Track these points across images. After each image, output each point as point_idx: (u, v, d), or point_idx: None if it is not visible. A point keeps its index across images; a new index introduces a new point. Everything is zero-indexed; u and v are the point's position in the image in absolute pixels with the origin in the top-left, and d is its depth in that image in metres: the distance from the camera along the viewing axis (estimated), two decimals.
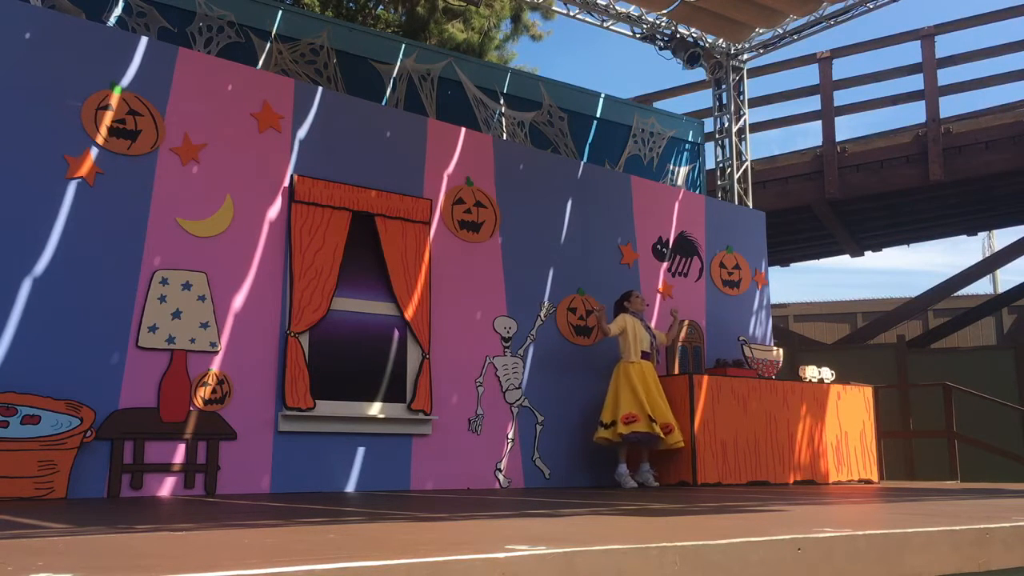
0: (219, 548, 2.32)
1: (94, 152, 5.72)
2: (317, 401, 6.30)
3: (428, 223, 7.11)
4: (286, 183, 6.50)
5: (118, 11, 6.94)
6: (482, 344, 7.26)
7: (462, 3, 13.38)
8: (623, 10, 9.78)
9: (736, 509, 4.07)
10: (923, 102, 11.80)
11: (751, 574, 2.33)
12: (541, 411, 7.49)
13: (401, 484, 6.62)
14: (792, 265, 16.15)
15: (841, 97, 12.45)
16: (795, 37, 10.27)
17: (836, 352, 12.72)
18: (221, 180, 6.19)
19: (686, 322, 8.40)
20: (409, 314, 6.83)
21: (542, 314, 7.70)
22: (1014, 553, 2.91)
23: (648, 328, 7.60)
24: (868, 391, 8.97)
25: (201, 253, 6.01)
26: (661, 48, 10.18)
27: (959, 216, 13.56)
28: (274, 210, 6.41)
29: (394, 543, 2.40)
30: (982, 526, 2.87)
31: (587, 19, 9.77)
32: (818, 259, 16.19)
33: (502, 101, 8.94)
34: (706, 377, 7.71)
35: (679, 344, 8.25)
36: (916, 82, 12.01)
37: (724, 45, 10.52)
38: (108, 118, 5.80)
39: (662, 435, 7.16)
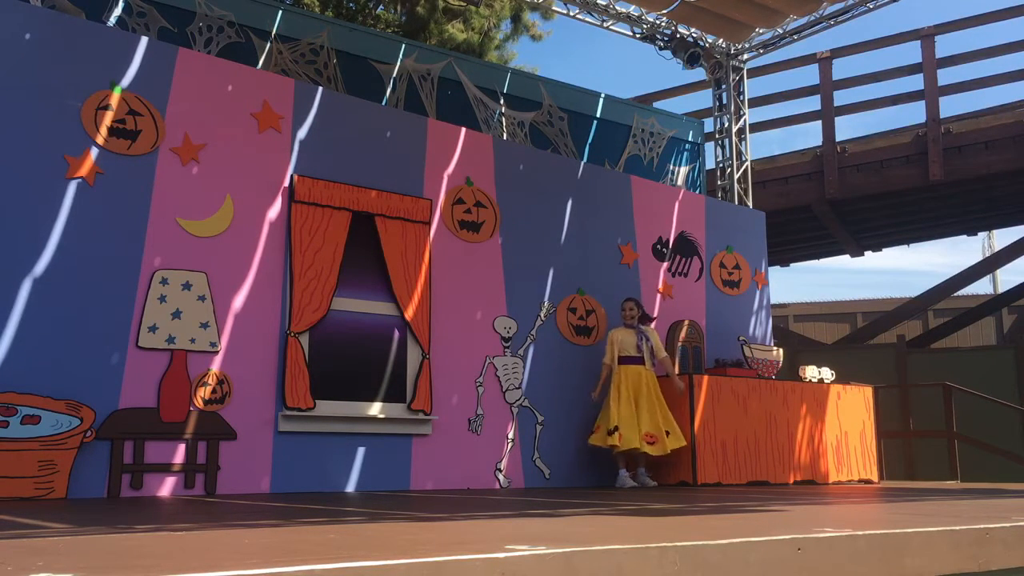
0: (219, 548, 2.32)
1: (94, 152, 5.72)
2: (317, 401, 6.30)
3: (428, 223, 7.11)
4: (286, 183, 6.50)
5: (118, 11, 6.94)
6: (482, 344, 7.26)
7: (462, 3, 13.38)
8: (623, 10, 9.78)
9: (736, 509, 4.07)
10: (923, 102, 11.80)
11: (751, 574, 2.33)
12: (541, 411, 7.49)
13: (401, 484, 6.62)
14: (792, 265, 16.16)
15: (841, 97, 12.47)
16: (795, 37, 10.27)
17: (836, 352, 12.72)
18: (221, 180, 6.19)
19: (685, 322, 8.39)
20: (409, 314, 6.83)
21: (542, 314, 7.70)
22: (1014, 553, 2.91)
23: (642, 335, 7.53)
24: (868, 391, 8.97)
25: (201, 253, 6.01)
26: (661, 48, 10.18)
27: (959, 216, 13.57)
28: (274, 210, 6.41)
29: (394, 543, 2.40)
30: (982, 526, 2.87)
31: (587, 19, 9.77)
32: (818, 259, 16.20)
33: (502, 101, 8.94)
34: (706, 377, 7.71)
35: (679, 344, 8.25)
36: (916, 82, 12.02)
37: (724, 45, 10.52)
38: (108, 118, 5.80)
39: (611, 444, 7.17)
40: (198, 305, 5.93)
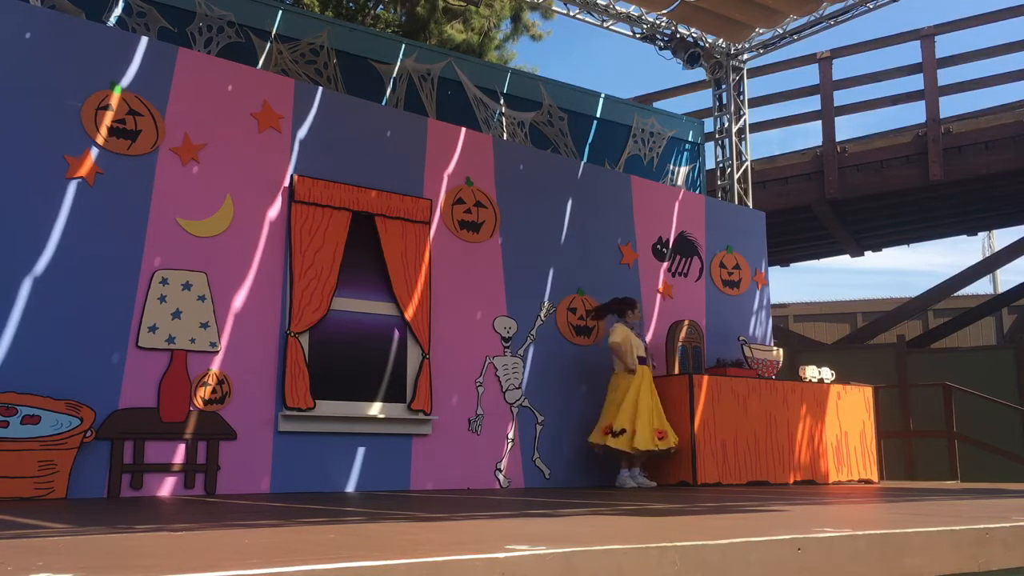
0: (219, 548, 2.32)
1: (94, 152, 5.72)
2: (317, 401, 6.30)
3: (428, 223, 7.11)
4: (286, 183, 6.50)
5: (118, 11, 6.94)
6: (482, 344, 7.26)
7: (462, 3, 13.38)
8: (623, 10, 9.78)
9: (736, 509, 4.07)
10: (923, 102, 11.81)
11: (751, 574, 2.33)
12: (541, 411, 7.49)
13: (401, 484, 6.62)
14: (792, 265, 16.16)
15: (841, 97, 12.47)
16: (795, 37, 10.27)
17: (836, 352, 12.72)
18: (221, 180, 6.19)
19: (685, 322, 8.39)
20: (409, 314, 6.83)
21: (542, 314, 7.70)
22: (1014, 553, 2.91)
23: (641, 335, 7.61)
24: (868, 391, 8.97)
25: (201, 253, 6.01)
26: (661, 48, 10.18)
27: (959, 216, 13.57)
28: (274, 210, 6.41)
29: (394, 543, 2.40)
30: (982, 526, 2.87)
31: (587, 19, 9.77)
32: (818, 259, 16.20)
33: (502, 101, 8.94)
34: (706, 377, 7.70)
35: (679, 344, 8.25)
36: (916, 82, 12.02)
37: (724, 45, 10.52)
38: (108, 118, 5.80)
39: (610, 445, 7.19)
40: (198, 305, 5.93)
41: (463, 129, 7.67)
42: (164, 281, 5.83)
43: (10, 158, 5.41)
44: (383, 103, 8.02)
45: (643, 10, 9.76)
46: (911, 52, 12.48)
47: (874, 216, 13.09)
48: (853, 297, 25.01)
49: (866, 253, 14.86)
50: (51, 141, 5.57)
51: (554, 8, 9.77)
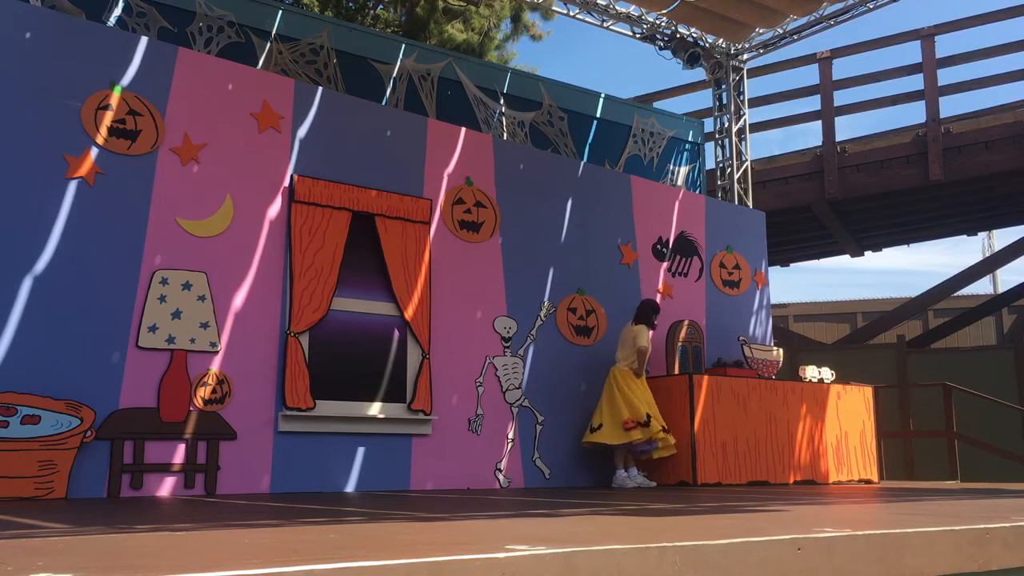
0: (219, 548, 2.32)
1: (94, 152, 5.72)
2: (317, 401, 6.30)
3: (428, 223, 7.11)
4: (286, 183, 6.50)
5: (118, 11, 6.94)
6: (482, 344, 7.26)
7: (462, 3, 13.39)
8: (623, 10, 9.78)
9: (736, 509, 4.07)
10: (923, 102, 11.80)
11: (751, 574, 2.33)
12: (541, 411, 7.49)
13: (401, 484, 6.62)
14: (792, 265, 16.16)
15: (841, 97, 12.47)
16: (795, 37, 10.27)
17: (836, 352, 12.72)
18: (221, 180, 6.19)
19: (685, 322, 8.39)
20: (409, 314, 6.83)
21: (542, 314, 7.70)
22: (1014, 553, 2.91)
23: None
24: (868, 391, 8.97)
25: (201, 253, 6.01)
26: (661, 48, 10.19)
27: (959, 216, 13.57)
28: (274, 210, 6.41)
29: (394, 543, 2.40)
30: (982, 526, 2.87)
31: (587, 19, 9.77)
32: (818, 259, 16.19)
33: (502, 101, 8.94)
34: (706, 377, 7.70)
35: (679, 344, 8.25)
36: (916, 82, 12.02)
37: (724, 45, 10.52)
38: (108, 118, 5.80)
39: (663, 445, 7.21)
40: (198, 305, 5.93)
41: (463, 129, 7.67)
42: (164, 281, 5.83)
43: (10, 158, 5.41)
44: (383, 103, 8.02)
45: (643, 10, 9.76)
46: (911, 52, 12.51)
47: (874, 216, 13.09)
48: (853, 297, 25.02)
49: (866, 253, 14.86)
50: (51, 141, 5.57)
51: (554, 8, 9.77)
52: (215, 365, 5.94)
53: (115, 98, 5.84)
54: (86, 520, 3.55)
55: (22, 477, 5.10)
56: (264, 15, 7.68)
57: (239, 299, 6.13)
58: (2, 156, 5.39)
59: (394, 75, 8.25)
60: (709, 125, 10.95)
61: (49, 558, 2.07)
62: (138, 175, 5.87)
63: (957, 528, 2.82)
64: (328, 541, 2.46)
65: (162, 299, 5.80)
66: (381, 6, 14.79)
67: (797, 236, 13.86)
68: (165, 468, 5.67)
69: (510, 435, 7.28)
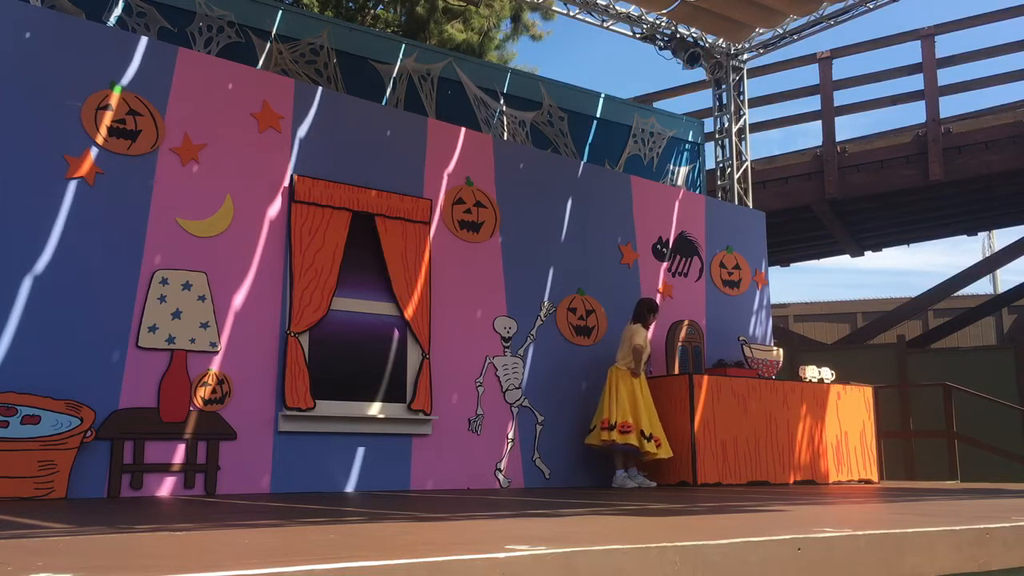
0: (219, 548, 2.32)
1: (94, 152, 5.72)
2: (317, 401, 6.30)
3: (428, 223, 7.11)
4: (286, 183, 6.50)
5: (118, 11, 6.94)
6: (482, 344, 7.26)
7: (462, 3, 13.39)
8: (623, 10, 9.77)
9: (736, 509, 4.07)
10: (923, 102, 11.80)
11: (751, 574, 2.33)
12: (541, 411, 7.49)
13: (401, 484, 6.62)
14: (792, 265, 16.16)
15: (841, 97, 12.47)
16: (795, 37, 10.26)
17: (836, 352, 12.72)
18: (221, 180, 6.19)
19: (685, 322, 8.39)
20: (409, 314, 6.83)
21: (542, 314, 7.70)
22: (1014, 553, 2.91)
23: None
24: (868, 391, 8.97)
25: (201, 253, 6.01)
26: (661, 48, 10.18)
27: (959, 216, 13.57)
28: (274, 210, 6.41)
29: (394, 543, 2.40)
30: (982, 526, 2.87)
31: (587, 19, 9.77)
32: (818, 259, 16.20)
33: (502, 101, 8.93)
34: (706, 377, 7.70)
35: (679, 344, 8.25)
36: (916, 82, 12.01)
37: (724, 45, 10.52)
38: (108, 118, 5.80)
39: (648, 451, 7.18)
40: (198, 305, 5.93)
41: (463, 129, 7.67)
42: (164, 281, 5.83)
43: (10, 158, 5.41)
44: (383, 103, 8.02)
45: (643, 10, 9.76)
46: (911, 52, 12.50)
47: (874, 216, 13.09)
48: (853, 297, 25.03)
49: (866, 253, 14.86)
50: (51, 141, 5.57)
51: (554, 8, 9.77)
52: (215, 365, 5.94)
53: (115, 98, 5.84)
54: (86, 520, 3.55)
55: (22, 477, 5.10)
56: (264, 15, 7.68)
57: (239, 299, 6.13)
58: (2, 156, 5.39)
59: (394, 75, 8.25)
60: (709, 125, 10.95)
61: (49, 558, 2.07)
62: (138, 175, 5.87)
63: (957, 528, 2.82)
64: (328, 541, 2.46)
65: (162, 299, 5.80)
66: (381, 6, 14.79)
67: (797, 236, 13.86)
68: (165, 468, 5.67)
69: (510, 435, 7.28)
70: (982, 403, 10.41)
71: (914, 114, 58.15)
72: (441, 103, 8.46)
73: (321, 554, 2.04)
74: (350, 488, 6.39)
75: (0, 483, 5.01)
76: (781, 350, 8.76)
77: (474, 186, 7.51)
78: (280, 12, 7.80)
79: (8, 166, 5.40)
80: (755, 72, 11.86)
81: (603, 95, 9.81)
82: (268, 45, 7.64)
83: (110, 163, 5.77)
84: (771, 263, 12.10)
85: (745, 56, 10.68)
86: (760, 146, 42.00)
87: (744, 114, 10.63)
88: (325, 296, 6.46)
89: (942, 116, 11.65)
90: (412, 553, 2.01)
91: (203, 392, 5.86)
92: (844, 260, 44.06)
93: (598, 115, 9.66)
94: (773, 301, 10.38)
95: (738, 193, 10.44)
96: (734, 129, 10.55)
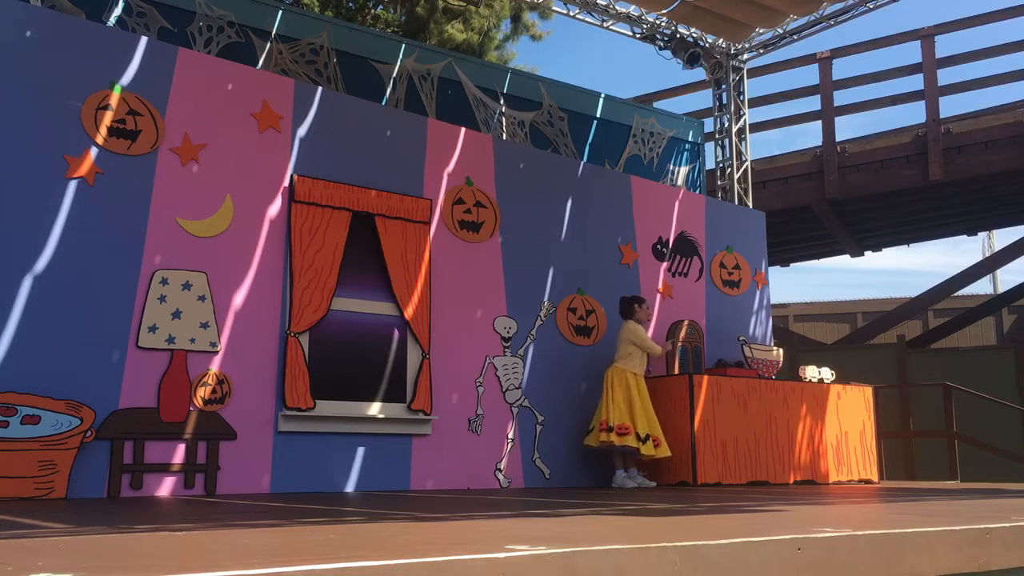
0: (219, 548, 2.32)
1: (94, 152, 5.72)
2: (317, 401, 6.30)
3: (428, 223, 7.11)
4: (286, 183, 6.50)
5: (118, 11, 6.94)
6: (482, 344, 7.26)
7: (462, 3, 13.39)
8: (623, 10, 9.77)
9: (736, 509, 4.07)
10: (923, 102, 11.80)
11: (751, 574, 2.33)
12: (541, 411, 7.49)
13: (401, 484, 6.62)
14: (792, 265, 16.15)
15: (841, 97, 12.47)
16: (795, 37, 10.27)
17: (836, 352, 12.72)
18: (221, 180, 6.19)
19: (685, 322, 8.39)
20: (409, 314, 6.83)
21: (542, 314, 7.70)
22: (1014, 553, 2.91)
23: None
24: (868, 391, 8.97)
25: (201, 253, 6.01)
26: (661, 48, 10.18)
27: (959, 216, 13.57)
28: (274, 210, 6.41)
29: (394, 543, 2.40)
30: (982, 526, 2.87)
31: (587, 19, 9.77)
32: (818, 259, 16.20)
33: (502, 101, 8.94)
34: (706, 377, 7.70)
35: (679, 344, 8.25)
36: (916, 82, 12.01)
37: (724, 45, 10.52)
38: (108, 118, 5.80)
39: (645, 453, 7.16)
40: (198, 305, 5.93)
41: (463, 129, 7.67)
42: (164, 281, 5.83)
43: (10, 158, 5.41)
44: (383, 103, 8.02)
45: (643, 10, 9.76)
46: (911, 52, 12.49)
47: (874, 216, 13.09)
48: (853, 297, 25.03)
49: (866, 253, 14.85)
50: (51, 141, 5.57)
51: (554, 8, 9.76)
52: (215, 365, 5.94)
53: (115, 98, 5.84)
54: (86, 520, 3.55)
55: (22, 477, 5.10)
56: (264, 15, 7.68)
57: (239, 299, 6.13)
58: (2, 156, 5.39)
59: (394, 75, 8.25)
60: (709, 125, 10.95)
61: (49, 558, 2.07)
62: (138, 175, 5.87)
63: (957, 528, 2.82)
64: (328, 541, 2.46)
65: (162, 299, 5.80)
66: (381, 6, 14.79)
67: (797, 236, 13.86)
68: (165, 468, 5.66)
69: (510, 435, 7.28)
70: (982, 403, 10.41)
71: (914, 114, 58.15)
72: (441, 103, 8.46)
73: (321, 554, 2.04)
74: (350, 488, 6.39)
75: (0, 483, 5.01)
76: (781, 350, 8.76)
77: (474, 186, 7.51)
78: (280, 12, 7.80)
79: (8, 166, 5.40)
80: (755, 72, 11.85)
81: (603, 95, 9.81)
82: (268, 45, 7.64)
83: (110, 163, 5.76)
84: (771, 263, 12.10)
85: (745, 56, 10.68)
86: (760, 146, 41.98)
87: (744, 114, 10.63)
88: (325, 296, 6.46)
89: (942, 116, 11.65)
90: (412, 553, 2.01)
91: (203, 392, 5.86)
92: (844, 260, 44.04)
93: (598, 115, 9.66)
94: (773, 301, 10.38)
95: (738, 193, 10.44)
96: (734, 129, 10.56)
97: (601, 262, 8.22)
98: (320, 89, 6.92)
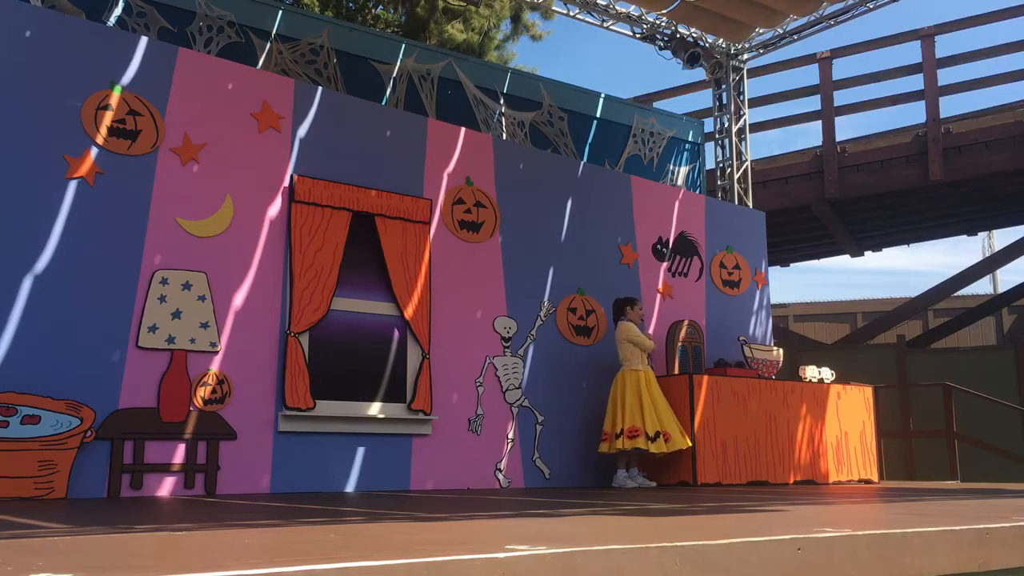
0: (219, 548, 2.32)
1: (94, 152, 5.72)
2: (317, 401, 6.30)
3: (428, 223, 7.11)
4: (286, 183, 6.50)
5: (118, 11, 6.94)
6: (482, 344, 7.26)
7: (462, 3, 13.38)
8: (623, 10, 9.78)
9: (736, 509, 4.07)
10: (923, 102, 11.80)
11: (751, 574, 2.33)
12: (541, 411, 7.49)
13: (401, 484, 6.62)
14: (792, 265, 16.15)
15: (841, 97, 12.46)
16: (795, 37, 10.27)
17: (836, 352, 12.72)
18: (221, 180, 6.19)
19: (685, 322, 8.39)
20: (409, 314, 6.83)
21: (542, 314, 7.70)
22: (1014, 553, 2.91)
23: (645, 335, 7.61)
24: (868, 391, 8.97)
25: (201, 253, 6.01)
26: (661, 48, 10.18)
27: (959, 216, 13.56)
28: (274, 210, 6.41)
29: (394, 543, 2.40)
30: (982, 526, 2.87)
31: (587, 19, 9.77)
32: (818, 259, 16.19)
33: (502, 101, 8.94)
34: (706, 377, 7.70)
35: (679, 344, 8.25)
36: (916, 82, 12.01)
37: (724, 45, 10.52)
38: (108, 118, 5.80)
39: (656, 451, 7.14)
40: (198, 305, 5.93)
41: (463, 129, 7.67)
42: (164, 281, 5.83)
43: (10, 158, 5.41)
44: (383, 103, 8.02)
45: (643, 10, 9.76)
46: (911, 52, 12.48)
47: (874, 216, 13.09)
48: (853, 297, 25.03)
49: (866, 253, 14.85)
50: (51, 141, 5.57)
51: (554, 8, 9.77)
52: (215, 365, 5.94)
53: (115, 98, 5.84)
54: (86, 520, 3.55)
55: (22, 477, 5.10)
56: (264, 15, 7.68)
57: (239, 299, 6.13)
58: (2, 156, 5.39)
59: (394, 75, 8.25)
60: (709, 125, 10.95)
61: (49, 558, 2.07)
62: (138, 175, 5.87)
63: (957, 528, 2.82)
64: (328, 541, 2.46)
65: (162, 299, 5.80)
66: (381, 6, 14.78)
67: (797, 236, 13.86)
68: (165, 468, 5.67)
69: (510, 435, 7.28)
70: (982, 403, 10.40)
71: (914, 114, 58.20)
72: (441, 103, 8.47)
73: (321, 554, 2.04)
74: (350, 488, 6.39)
75: (0, 483, 5.01)
76: (781, 350, 8.76)
77: (474, 186, 7.51)
78: (280, 12, 7.80)
79: (8, 166, 5.40)
80: (755, 72, 11.85)
81: (603, 95, 9.81)
82: (268, 45, 7.64)
83: (110, 163, 5.77)
84: (771, 263, 12.10)
85: (745, 56, 10.68)
86: (760, 146, 42.02)
87: (744, 114, 10.63)
88: (325, 296, 6.46)
89: (942, 116, 11.65)
90: (412, 553, 2.01)
91: (203, 392, 5.86)
92: (844, 260, 44.05)
93: (598, 115, 9.66)
94: (773, 301, 10.38)
95: (738, 193, 10.44)
96: (734, 129, 10.56)
97: (601, 262, 8.22)
98: (320, 89, 6.92)
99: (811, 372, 8.63)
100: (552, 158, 8.59)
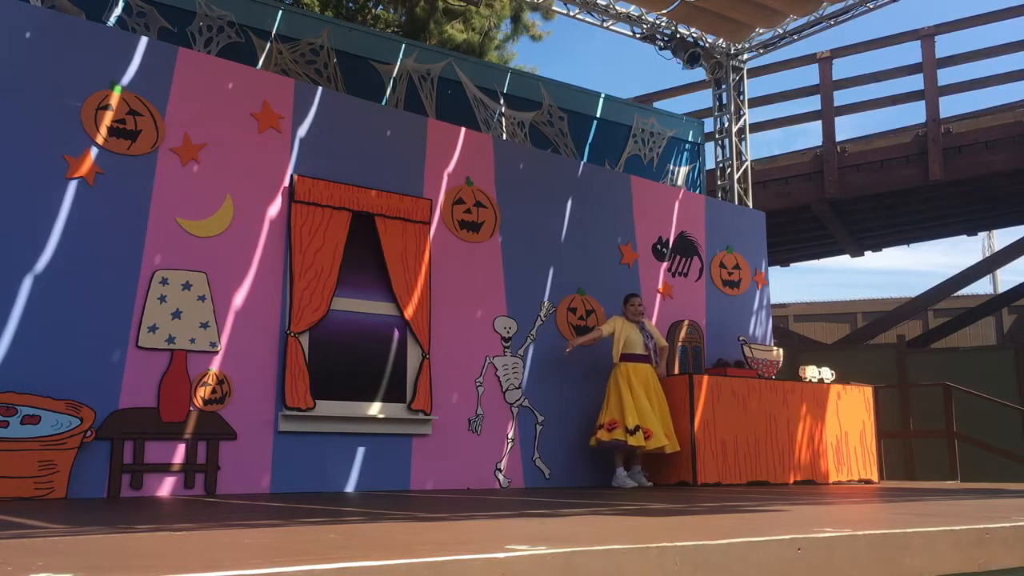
0: (219, 548, 2.32)
1: (94, 152, 5.72)
2: (317, 401, 6.30)
3: (428, 223, 7.11)
4: (286, 183, 6.50)
5: (118, 11, 6.94)
6: (482, 344, 7.26)
7: (462, 3, 13.38)
8: (623, 10, 9.78)
9: (736, 509, 4.07)
10: (923, 102, 11.79)
11: (751, 574, 2.33)
12: (541, 411, 7.49)
13: (401, 484, 6.62)
14: (792, 265, 16.15)
15: (841, 97, 12.46)
16: (795, 37, 10.27)
17: (836, 352, 12.72)
18: (221, 180, 6.19)
19: (685, 322, 8.39)
20: (409, 314, 6.83)
21: (542, 314, 7.70)
22: (1014, 553, 2.91)
23: (644, 331, 7.57)
24: (868, 391, 8.97)
25: (201, 253, 6.01)
26: (661, 48, 10.18)
27: (959, 216, 13.56)
28: (274, 210, 6.41)
29: (394, 543, 2.40)
30: (982, 526, 2.87)
31: (587, 19, 9.77)
32: (818, 259, 16.19)
33: (502, 101, 8.94)
34: (706, 377, 7.70)
35: (679, 344, 8.25)
36: (916, 82, 12.01)
37: (724, 45, 10.52)
38: (108, 118, 5.80)
39: (634, 444, 7.13)
40: (198, 305, 5.93)
41: (463, 129, 7.67)
42: (164, 281, 5.83)
43: (10, 158, 5.41)
44: (383, 103, 8.02)
45: (643, 10, 9.76)
46: (911, 52, 12.48)
47: (874, 216, 13.09)
48: (853, 297, 25.03)
49: (866, 253, 14.85)
50: (51, 141, 5.57)
51: (554, 8, 9.77)
52: (215, 365, 5.94)
53: (115, 98, 5.84)
54: (86, 520, 3.55)
55: (22, 477, 5.10)
56: (264, 15, 7.68)
57: (239, 299, 6.13)
58: (2, 156, 5.39)
59: (394, 75, 8.25)
60: (709, 125, 10.95)
61: (49, 558, 2.07)
62: (138, 175, 5.87)
63: (957, 528, 2.82)
64: (328, 541, 2.46)
65: (162, 299, 5.80)
66: (381, 6, 14.79)
67: (797, 236, 13.86)
68: (165, 468, 5.67)
69: (510, 435, 7.28)
70: (982, 403, 10.40)
71: (914, 114, 58.17)
72: (441, 103, 8.47)
73: (321, 554, 2.04)
74: (350, 488, 6.39)
75: (0, 483, 5.01)
76: (781, 350, 8.76)
77: (474, 186, 7.51)
78: (280, 12, 7.81)
79: (8, 166, 5.40)
80: (755, 72, 11.85)
81: (603, 95, 9.81)
82: (268, 45, 7.64)
83: (110, 163, 5.77)
84: (771, 263, 12.10)
85: (745, 56, 10.68)
86: (760, 146, 42.01)
87: (744, 114, 10.63)
88: (325, 296, 6.46)
89: (942, 116, 11.65)
90: (412, 553, 2.01)
91: (203, 392, 5.86)
92: (844, 260, 44.06)
93: (598, 115, 9.66)
94: (773, 301, 10.38)
95: (738, 193, 10.44)
96: (734, 129, 10.56)
97: (601, 262, 8.22)
98: (320, 89, 6.92)
99: (811, 372, 8.63)
100: (552, 158, 8.59)
